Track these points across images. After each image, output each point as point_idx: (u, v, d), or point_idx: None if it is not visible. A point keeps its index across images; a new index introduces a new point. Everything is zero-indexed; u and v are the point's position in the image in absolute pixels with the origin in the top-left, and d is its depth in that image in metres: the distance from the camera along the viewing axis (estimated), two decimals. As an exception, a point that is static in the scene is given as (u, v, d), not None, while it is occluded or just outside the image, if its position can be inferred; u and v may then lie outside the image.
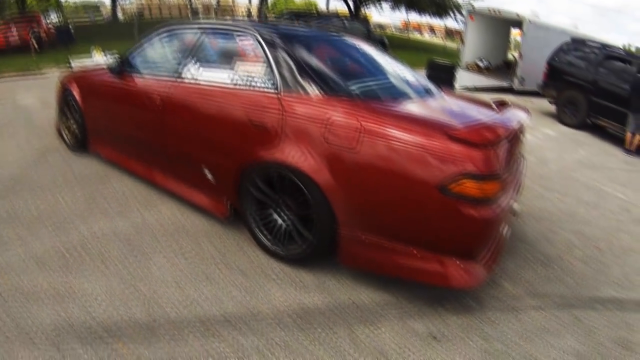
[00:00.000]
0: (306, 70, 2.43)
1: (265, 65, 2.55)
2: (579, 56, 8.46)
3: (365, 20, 18.85)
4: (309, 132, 2.28)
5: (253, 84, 2.58)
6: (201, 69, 2.90)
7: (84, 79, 3.87)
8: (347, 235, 2.30)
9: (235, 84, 2.66)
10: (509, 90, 11.26)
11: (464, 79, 11.32)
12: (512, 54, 14.87)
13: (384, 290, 2.43)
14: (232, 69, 2.74)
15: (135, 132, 3.32)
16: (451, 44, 29.75)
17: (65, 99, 4.03)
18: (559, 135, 7.40)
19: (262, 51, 2.59)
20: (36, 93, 7.18)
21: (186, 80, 2.91)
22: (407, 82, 2.96)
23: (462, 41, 12.92)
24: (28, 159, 3.94)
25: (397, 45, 18.95)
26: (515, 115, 2.51)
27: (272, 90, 2.47)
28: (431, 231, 2.10)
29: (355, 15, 21.65)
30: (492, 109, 2.69)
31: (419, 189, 2.02)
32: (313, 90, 2.37)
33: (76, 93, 3.86)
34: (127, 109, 3.32)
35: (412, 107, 2.47)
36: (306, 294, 2.36)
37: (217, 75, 2.78)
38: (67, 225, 2.83)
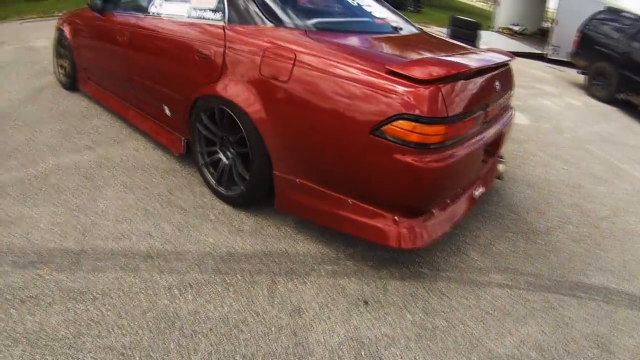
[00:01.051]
0: (255, 2, 2.14)
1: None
2: (613, 27, 7.28)
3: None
4: (246, 64, 2.01)
5: (205, 15, 2.31)
6: (164, 2, 2.61)
7: (75, 18, 3.63)
8: (282, 178, 1.97)
9: (189, 16, 2.39)
10: (542, 58, 10.08)
11: (494, 41, 10.18)
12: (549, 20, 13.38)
13: (326, 244, 2.08)
14: (189, 1, 2.42)
15: (110, 69, 3.13)
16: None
17: (59, 39, 3.82)
18: (584, 106, 6.46)
19: None
20: (50, 35, 6.86)
21: (150, 15, 2.67)
22: (376, 20, 2.57)
23: (497, 2, 11.54)
24: (22, 96, 3.72)
25: (435, 4, 17.25)
26: (491, 58, 2.07)
27: (219, 22, 2.21)
28: (365, 180, 1.72)
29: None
30: (463, 49, 2.32)
31: (351, 129, 1.66)
32: (258, 21, 2.08)
33: (67, 32, 3.62)
34: (104, 46, 3.10)
35: (364, 43, 2.10)
36: (239, 238, 2.06)
37: (176, 8, 2.51)
38: (36, 158, 2.64)
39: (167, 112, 2.55)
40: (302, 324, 1.62)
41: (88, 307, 1.59)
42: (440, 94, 1.56)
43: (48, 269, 1.76)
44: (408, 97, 1.54)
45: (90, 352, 1.41)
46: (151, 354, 1.43)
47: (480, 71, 1.85)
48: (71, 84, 3.79)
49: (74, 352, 1.41)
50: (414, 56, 1.94)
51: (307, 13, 2.27)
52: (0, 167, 2.51)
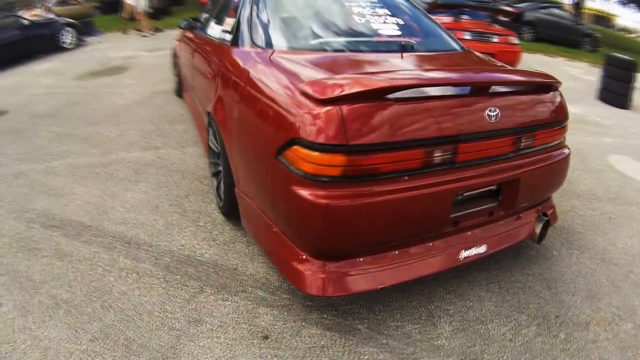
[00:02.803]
0: (257, 25, 2.21)
1: (236, 20, 2.40)
2: None
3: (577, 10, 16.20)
4: (226, 83, 2.14)
5: (224, 37, 2.54)
6: (212, 24, 2.99)
7: (183, 33, 4.39)
8: (240, 196, 2.06)
9: (217, 37, 2.69)
10: None
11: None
12: None
13: (277, 272, 2.01)
14: (222, 23, 2.72)
15: (188, 79, 3.72)
16: None
17: (173, 50, 4.74)
18: None
19: (240, 6, 2.41)
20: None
21: (203, 34, 3.11)
22: (380, 37, 2.23)
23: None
24: (140, 97, 4.80)
25: (616, 45, 14.64)
26: (491, 75, 1.81)
27: (228, 43, 2.39)
28: (277, 208, 1.61)
29: (579, 6, 17.91)
30: (483, 66, 2.12)
31: (263, 152, 1.62)
32: (240, 42, 2.21)
33: (176, 45, 4.51)
34: (186, 59, 3.71)
35: (324, 62, 1.89)
36: (207, 246, 2.23)
37: (214, 29, 2.85)
38: (113, 150, 3.40)
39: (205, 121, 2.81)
40: (191, 334, 1.67)
41: (63, 265, 2.04)
42: (339, 116, 1.32)
43: (59, 233, 2.29)
44: (302, 119, 1.38)
45: (43, 296, 1.84)
46: (72, 310, 1.77)
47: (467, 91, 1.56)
48: (179, 91, 4.63)
49: (34, 291, 1.87)
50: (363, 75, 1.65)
51: (286, 32, 2.16)
52: (85, 153, 3.35)
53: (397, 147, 1.41)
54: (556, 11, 12.69)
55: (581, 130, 4.55)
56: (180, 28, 3.77)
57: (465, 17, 5.89)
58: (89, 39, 9.06)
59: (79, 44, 8.40)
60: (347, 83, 1.41)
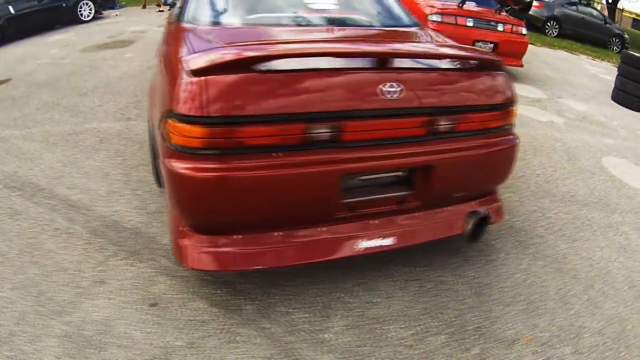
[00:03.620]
0: (196, 2, 2.14)
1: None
2: None
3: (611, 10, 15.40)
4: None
5: (177, 13, 2.37)
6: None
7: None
8: (158, 166, 2.04)
9: (174, 14, 2.54)
10: None
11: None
12: None
13: None
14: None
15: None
16: None
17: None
18: None
19: None
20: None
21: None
22: (309, 12, 2.14)
23: None
24: (133, 71, 4.79)
25: None
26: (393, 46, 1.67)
27: (176, 18, 2.26)
28: (164, 180, 1.58)
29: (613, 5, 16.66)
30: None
31: (158, 124, 1.61)
32: (191, 19, 2.09)
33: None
34: (164, 37, 3.65)
35: (235, 35, 1.89)
36: (135, 214, 2.26)
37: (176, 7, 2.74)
38: (88, 120, 3.44)
39: None
40: (92, 293, 1.72)
41: (11, 222, 2.15)
42: (201, 87, 1.29)
43: (18, 193, 2.39)
44: (175, 91, 1.35)
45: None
46: (5, 262, 1.88)
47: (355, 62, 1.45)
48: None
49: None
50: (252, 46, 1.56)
51: (217, 10, 2.12)
52: (64, 122, 3.43)
53: (264, 121, 1.34)
54: (585, 9, 12.00)
55: (581, 128, 4.23)
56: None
57: (471, 3, 5.54)
58: (107, 12, 9.21)
59: (96, 16, 8.56)
60: (217, 54, 1.37)
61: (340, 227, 1.61)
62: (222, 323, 1.59)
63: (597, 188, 3.00)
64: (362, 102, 1.43)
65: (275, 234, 1.53)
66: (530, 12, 10.99)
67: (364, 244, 1.63)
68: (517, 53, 5.39)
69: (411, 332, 1.68)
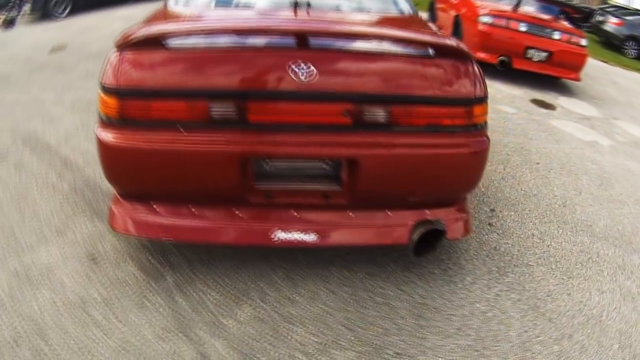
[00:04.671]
0: None
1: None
2: None
3: None
4: None
5: None
6: None
7: None
8: None
9: None
10: None
11: None
12: None
13: None
14: None
15: None
16: None
17: None
18: None
19: None
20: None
21: None
22: None
23: None
24: None
25: None
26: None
27: None
28: None
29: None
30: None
31: None
32: None
33: None
34: None
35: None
36: None
37: None
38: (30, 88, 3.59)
39: None
40: (49, 241, 1.79)
41: (14, 174, 2.27)
42: (117, 60, 1.34)
43: (30, 149, 2.52)
44: (104, 64, 1.41)
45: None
46: None
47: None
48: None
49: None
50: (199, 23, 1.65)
51: None
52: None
53: (170, 96, 1.34)
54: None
55: (629, 154, 3.46)
56: None
57: (528, 7, 4.91)
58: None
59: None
60: (136, 30, 1.39)
61: (256, 213, 1.50)
62: (141, 288, 1.58)
63: (623, 222, 2.39)
64: (267, 82, 1.33)
65: (188, 209, 1.49)
66: (608, 29, 9.64)
67: (282, 235, 1.48)
68: (573, 65, 4.65)
69: (317, 339, 1.44)
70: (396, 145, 1.39)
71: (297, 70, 1.30)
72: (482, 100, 1.47)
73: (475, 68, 1.47)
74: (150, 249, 1.74)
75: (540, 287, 1.79)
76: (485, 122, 1.55)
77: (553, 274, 1.88)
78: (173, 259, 1.71)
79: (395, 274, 1.76)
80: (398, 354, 1.42)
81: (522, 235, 2.12)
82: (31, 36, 5.32)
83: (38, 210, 1.97)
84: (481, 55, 4.61)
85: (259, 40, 1.41)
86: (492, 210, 2.32)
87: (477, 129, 1.50)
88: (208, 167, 1.37)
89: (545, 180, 2.74)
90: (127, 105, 1.34)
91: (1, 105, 3.13)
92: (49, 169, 2.30)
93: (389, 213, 1.55)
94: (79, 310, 1.45)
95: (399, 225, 1.53)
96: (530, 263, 1.94)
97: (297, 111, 1.33)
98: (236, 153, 1.35)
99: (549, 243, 2.10)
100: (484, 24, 4.65)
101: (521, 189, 2.58)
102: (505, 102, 4.23)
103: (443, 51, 1.43)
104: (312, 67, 1.30)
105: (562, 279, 1.86)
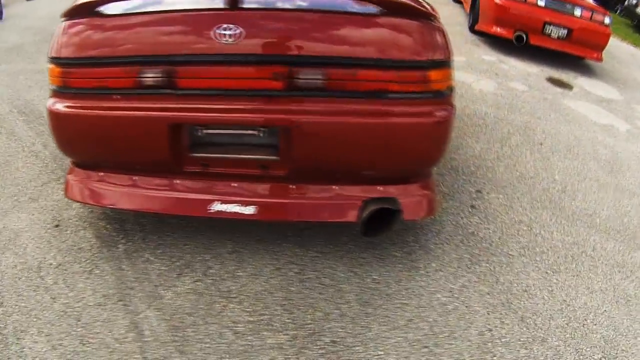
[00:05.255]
0: None
1: None
2: None
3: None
4: None
5: None
6: None
7: None
8: None
9: None
10: None
11: None
12: None
13: None
14: None
15: None
16: None
17: None
18: None
19: None
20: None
21: None
22: None
23: None
24: None
25: None
26: None
27: None
28: None
29: None
30: None
31: None
32: None
33: None
34: None
35: None
36: None
37: None
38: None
39: None
40: (22, 207, 1.74)
41: (4, 138, 2.21)
42: (59, 30, 1.32)
43: (24, 118, 2.42)
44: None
45: None
46: None
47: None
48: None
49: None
50: None
51: None
52: None
53: (104, 64, 1.29)
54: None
55: None
56: None
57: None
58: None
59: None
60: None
61: (194, 183, 1.41)
62: (93, 254, 1.53)
63: (629, 214, 2.06)
64: (193, 46, 1.24)
65: (129, 177, 1.44)
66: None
67: (219, 207, 1.36)
68: (595, 44, 4.14)
69: (251, 318, 1.28)
70: (336, 113, 1.21)
71: (223, 32, 1.19)
72: (442, 64, 1.23)
73: (435, 29, 1.23)
74: (110, 217, 1.66)
75: (518, 280, 1.52)
76: (450, 89, 1.30)
77: (536, 267, 1.60)
78: (129, 227, 1.63)
79: (351, 254, 1.53)
80: (334, 342, 1.22)
81: (508, 222, 1.84)
82: (50, 7, 5.16)
83: (18, 177, 1.91)
84: (497, 29, 4.22)
85: (186, 3, 1.31)
86: (479, 191, 2.04)
87: (437, 97, 1.25)
88: (142, 134, 1.31)
89: (547, 162, 2.41)
90: (68, 73, 1.32)
91: (7, 75, 3.02)
92: (36, 137, 2.21)
93: (335, 188, 1.34)
94: (34, 275, 1.43)
95: (348, 202, 1.32)
96: (511, 253, 1.66)
97: (224, 75, 1.23)
98: (166, 120, 1.28)
99: (537, 232, 1.81)
100: (501, -4, 4.23)
101: (517, 171, 2.27)
102: (518, 78, 3.83)
103: (392, 9, 1.20)
104: (239, 29, 1.18)
105: (546, 273, 1.58)
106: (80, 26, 1.29)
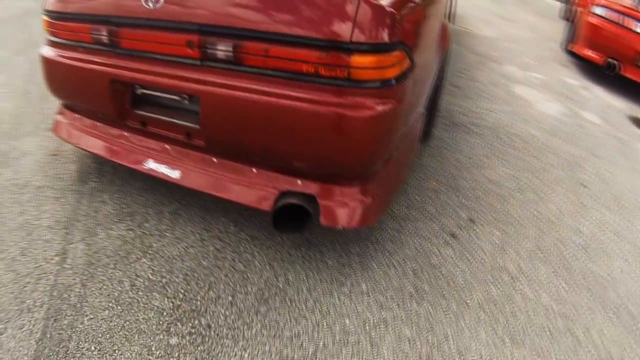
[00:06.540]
0: None
1: None
2: None
3: None
4: None
5: None
6: None
7: None
8: None
9: None
10: None
11: None
12: None
13: None
14: None
15: None
16: None
17: None
18: None
19: None
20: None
21: None
22: None
23: None
24: None
25: None
26: None
27: None
28: None
29: None
30: None
31: None
32: None
33: None
34: None
35: None
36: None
37: None
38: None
39: None
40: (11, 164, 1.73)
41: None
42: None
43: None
44: None
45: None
46: None
47: None
48: None
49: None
50: None
51: None
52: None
53: (72, 19, 1.40)
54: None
55: None
56: None
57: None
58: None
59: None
60: None
61: (134, 138, 1.48)
62: (66, 185, 1.62)
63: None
64: (127, 9, 1.27)
65: (95, 123, 1.55)
66: None
67: (151, 165, 1.38)
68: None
69: (152, 277, 1.28)
70: (242, 89, 1.11)
71: None
72: (374, 48, 0.98)
73: (370, 6, 0.98)
74: (97, 157, 1.71)
75: (458, 338, 1.20)
76: (388, 81, 1.04)
77: (491, 329, 1.24)
78: (106, 169, 1.70)
79: (280, 247, 1.37)
80: (209, 326, 1.12)
81: (488, 265, 1.47)
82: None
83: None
84: (588, 52, 3.53)
85: None
86: (471, 220, 1.68)
87: (364, 87, 1.01)
88: (93, 85, 1.41)
89: (579, 209, 1.89)
90: (52, 25, 1.45)
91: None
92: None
93: (254, 171, 1.21)
94: (18, 190, 1.56)
95: (264, 189, 1.18)
96: (468, 302, 1.32)
97: (152, 39, 1.24)
98: (108, 75, 1.35)
99: (520, 287, 1.40)
100: (595, 15, 3.50)
101: (535, 209, 1.83)
102: (594, 109, 3.10)
103: None
104: None
105: (502, 341, 1.22)
106: None
